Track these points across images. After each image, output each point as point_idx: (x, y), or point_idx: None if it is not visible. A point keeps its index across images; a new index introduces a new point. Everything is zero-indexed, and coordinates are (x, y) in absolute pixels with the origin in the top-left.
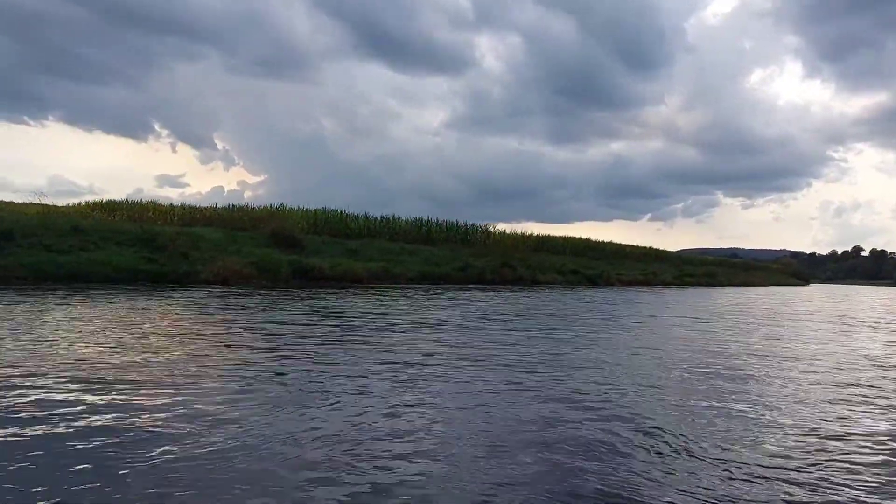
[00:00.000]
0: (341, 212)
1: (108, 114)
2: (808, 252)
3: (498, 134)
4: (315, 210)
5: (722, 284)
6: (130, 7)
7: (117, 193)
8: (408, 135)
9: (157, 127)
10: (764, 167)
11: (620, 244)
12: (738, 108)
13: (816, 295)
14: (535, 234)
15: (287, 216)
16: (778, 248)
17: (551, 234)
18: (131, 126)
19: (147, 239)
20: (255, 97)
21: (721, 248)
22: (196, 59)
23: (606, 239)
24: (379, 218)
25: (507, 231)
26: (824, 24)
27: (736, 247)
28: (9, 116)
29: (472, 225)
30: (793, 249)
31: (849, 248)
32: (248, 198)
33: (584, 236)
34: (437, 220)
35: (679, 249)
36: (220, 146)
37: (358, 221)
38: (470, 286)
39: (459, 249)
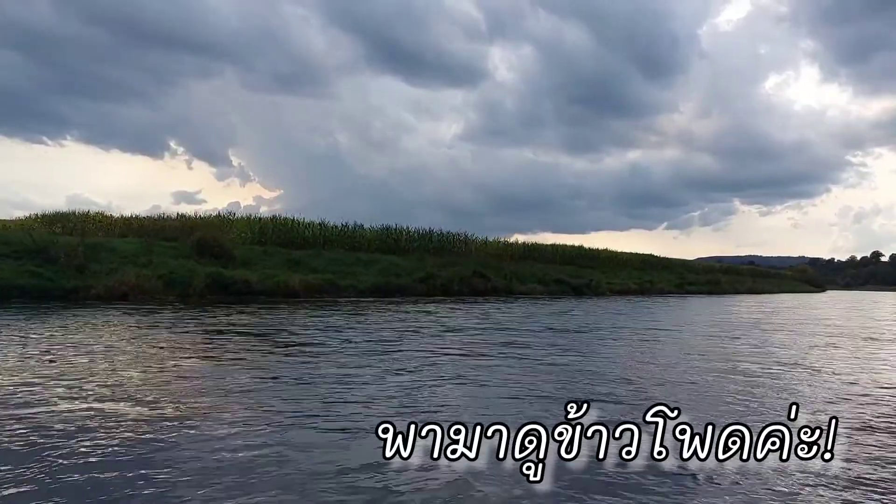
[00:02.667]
0: (292, 219)
1: (126, 132)
2: (826, 258)
3: (513, 145)
4: (260, 218)
5: (726, 293)
6: (147, 26)
7: (134, 211)
8: (423, 147)
9: (172, 144)
10: (781, 173)
11: (616, 251)
12: (753, 114)
13: (824, 302)
14: (521, 241)
15: (233, 225)
16: (796, 256)
17: (539, 243)
18: (148, 144)
19: (37, 250)
20: (270, 113)
21: (738, 256)
22: (211, 76)
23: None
24: (339, 226)
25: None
26: (842, 28)
27: (753, 254)
28: (28, 136)
29: (448, 232)
30: (811, 256)
31: (868, 254)
32: (263, 213)
33: (577, 244)
34: (408, 228)
35: (696, 258)
36: (235, 162)
37: (312, 230)
38: (430, 298)
39: (428, 259)
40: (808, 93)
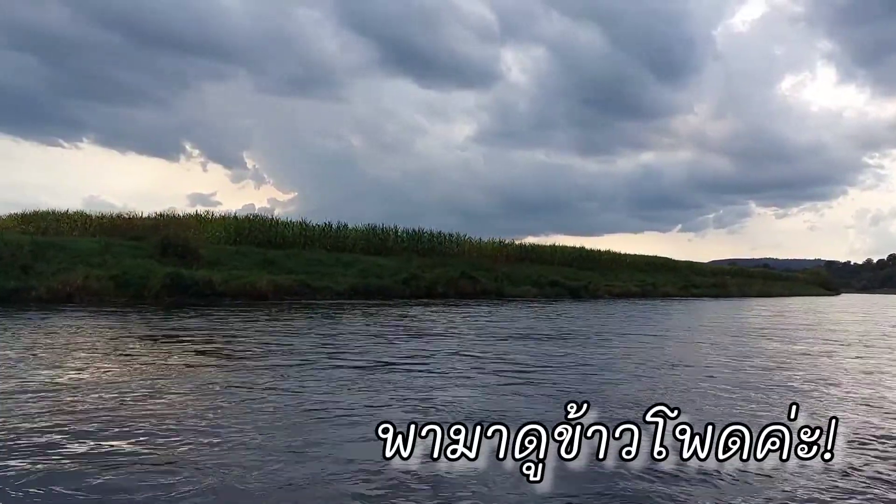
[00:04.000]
0: (271, 219)
1: (141, 135)
2: (842, 261)
3: (525, 147)
4: (236, 216)
5: (733, 296)
6: (162, 30)
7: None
8: (435, 150)
9: (188, 147)
10: (797, 175)
11: (618, 253)
12: (769, 116)
13: (830, 306)
14: (517, 243)
15: (210, 224)
16: (812, 258)
17: (539, 244)
18: (163, 147)
19: None
20: (284, 115)
21: (754, 259)
22: (226, 79)
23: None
24: (322, 225)
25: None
26: (860, 28)
27: (769, 257)
28: (45, 139)
29: (440, 233)
30: (828, 259)
31: (884, 257)
32: (278, 215)
33: (582, 245)
34: (396, 228)
35: (710, 260)
36: (249, 165)
37: (293, 229)
38: (413, 301)
39: (416, 260)
40: (824, 94)
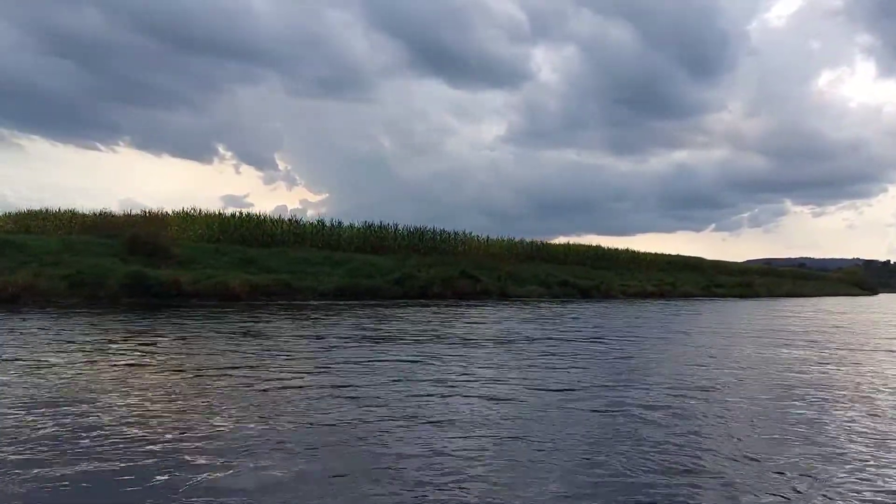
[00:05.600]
0: (258, 215)
1: (175, 138)
2: (882, 260)
3: (556, 147)
4: (220, 214)
5: (759, 296)
6: (195, 35)
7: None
8: (466, 150)
9: (221, 149)
10: (835, 173)
11: (637, 252)
12: (806, 113)
13: (861, 307)
14: (528, 240)
15: (195, 221)
16: (850, 257)
17: (551, 242)
18: (197, 149)
19: None
20: (315, 117)
21: (790, 259)
22: (257, 81)
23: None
24: (314, 223)
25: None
26: None
27: (805, 256)
28: (82, 142)
29: (443, 231)
30: (867, 258)
31: None
32: (310, 216)
33: (595, 244)
34: (396, 226)
35: (745, 260)
36: (281, 166)
37: (281, 227)
38: (406, 302)
39: (416, 259)
40: (863, 89)
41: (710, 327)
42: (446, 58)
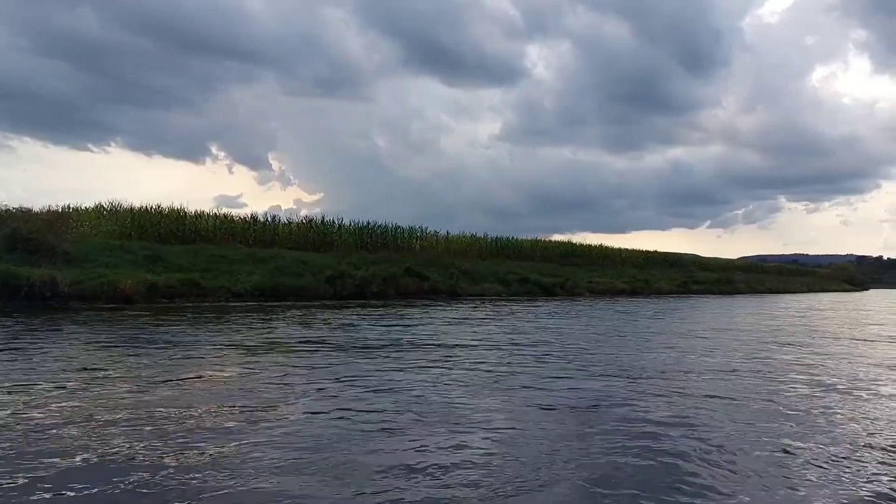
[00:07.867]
0: (178, 210)
1: (168, 138)
2: (874, 256)
3: (552, 144)
4: (132, 208)
5: (740, 293)
6: (189, 34)
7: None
8: (462, 148)
9: (214, 149)
10: (829, 169)
11: (611, 248)
12: (800, 109)
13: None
14: (493, 237)
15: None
16: (844, 253)
17: (519, 238)
18: (189, 149)
19: None
20: (309, 117)
21: (784, 255)
22: (252, 81)
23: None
24: (243, 218)
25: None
26: None
27: (799, 252)
28: (73, 143)
29: (396, 227)
30: (860, 254)
31: None
32: (304, 216)
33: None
34: (342, 221)
35: (739, 257)
36: (276, 166)
37: (206, 223)
38: (333, 302)
39: (360, 256)
40: (857, 85)
41: (623, 330)
42: (441, 56)
